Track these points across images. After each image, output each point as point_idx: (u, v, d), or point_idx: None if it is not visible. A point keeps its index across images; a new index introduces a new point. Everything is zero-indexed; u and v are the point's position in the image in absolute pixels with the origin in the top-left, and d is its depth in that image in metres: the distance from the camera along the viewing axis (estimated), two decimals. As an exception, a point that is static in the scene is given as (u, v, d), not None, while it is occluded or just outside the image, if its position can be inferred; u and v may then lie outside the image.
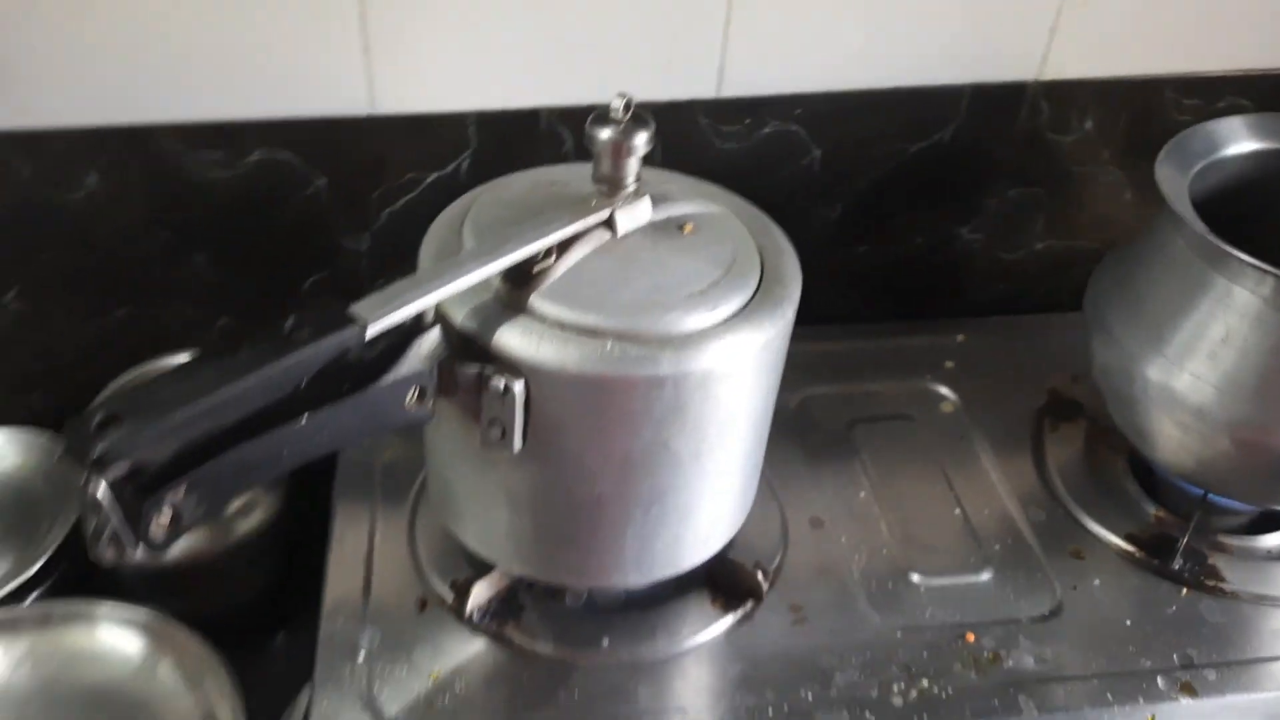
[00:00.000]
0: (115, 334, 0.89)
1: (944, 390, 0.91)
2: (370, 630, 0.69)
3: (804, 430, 0.87)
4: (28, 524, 0.88)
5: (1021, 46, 0.86)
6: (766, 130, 0.86)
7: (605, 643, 0.70)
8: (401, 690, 0.66)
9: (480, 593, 0.70)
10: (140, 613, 0.77)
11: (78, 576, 0.87)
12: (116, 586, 0.87)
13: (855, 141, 0.88)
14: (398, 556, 0.75)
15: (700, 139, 0.85)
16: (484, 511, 0.66)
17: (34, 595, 0.84)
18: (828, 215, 0.93)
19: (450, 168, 0.84)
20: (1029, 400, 0.91)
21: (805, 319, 0.98)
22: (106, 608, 0.77)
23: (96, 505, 0.46)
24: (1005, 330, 0.98)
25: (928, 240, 0.96)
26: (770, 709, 0.67)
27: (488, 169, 0.71)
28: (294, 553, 0.92)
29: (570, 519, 0.63)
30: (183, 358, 0.90)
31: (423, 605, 0.72)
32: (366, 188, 0.84)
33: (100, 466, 0.45)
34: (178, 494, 0.48)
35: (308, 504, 0.97)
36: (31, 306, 0.87)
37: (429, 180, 0.85)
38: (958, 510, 0.81)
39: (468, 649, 0.69)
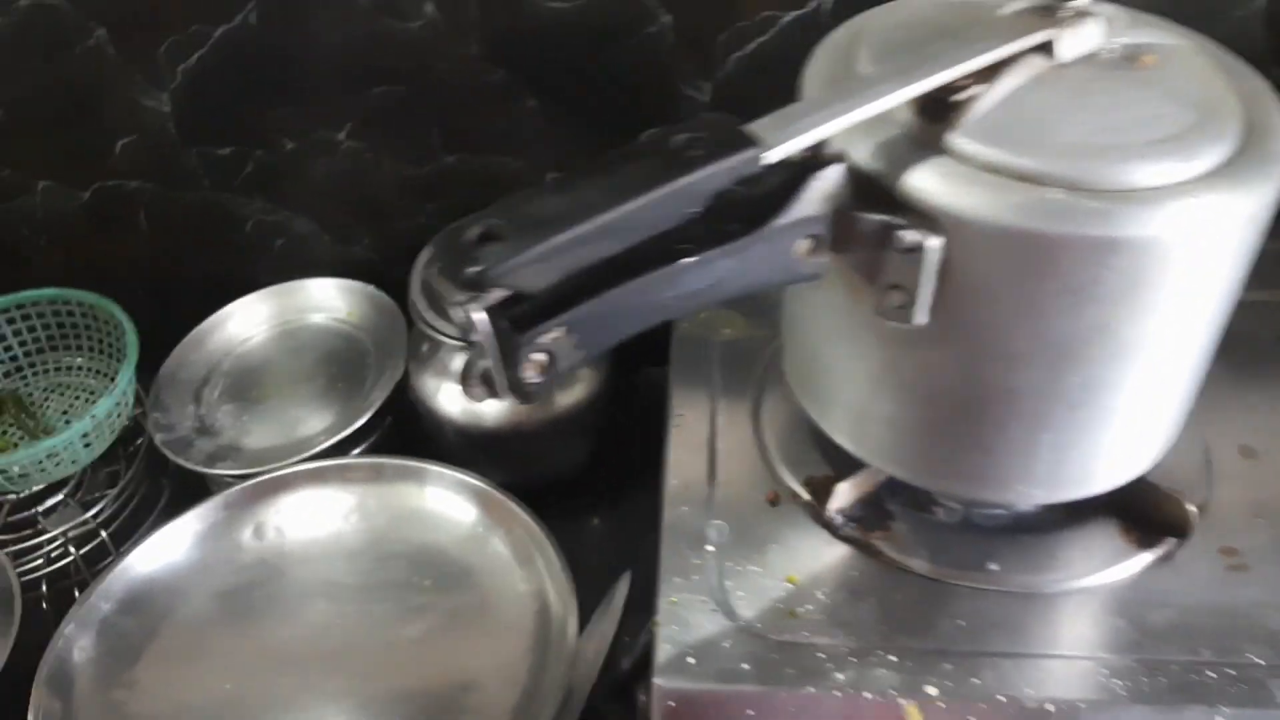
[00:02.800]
0: (441, 183, 0.88)
1: None
2: (717, 523, 0.64)
3: (1227, 344, 0.74)
4: (353, 376, 0.89)
5: None
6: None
7: (992, 567, 0.61)
8: (756, 592, 0.61)
9: (845, 494, 0.63)
10: (471, 480, 0.75)
11: (400, 435, 0.88)
12: (436, 449, 0.88)
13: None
14: (743, 444, 0.69)
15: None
16: (861, 399, 0.59)
17: (358, 450, 0.85)
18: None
19: (812, 4, 0.76)
20: None
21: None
22: (436, 470, 0.76)
23: (472, 334, 0.42)
24: None
25: None
26: (1207, 670, 0.56)
27: (855, 6, 0.62)
28: (608, 431, 0.89)
29: (973, 415, 0.55)
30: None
31: (774, 501, 0.66)
32: (714, 27, 0.78)
33: (478, 287, 0.41)
34: (556, 333, 0.43)
35: (626, 382, 0.94)
36: (363, 146, 0.87)
37: (786, 20, 0.77)
38: None
39: (828, 555, 0.63)
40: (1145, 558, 0.62)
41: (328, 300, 0.94)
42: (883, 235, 0.50)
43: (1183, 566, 0.62)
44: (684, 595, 0.60)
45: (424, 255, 0.85)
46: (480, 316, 0.41)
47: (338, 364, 0.90)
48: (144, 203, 0.93)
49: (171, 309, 0.90)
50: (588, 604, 0.82)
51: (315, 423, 0.86)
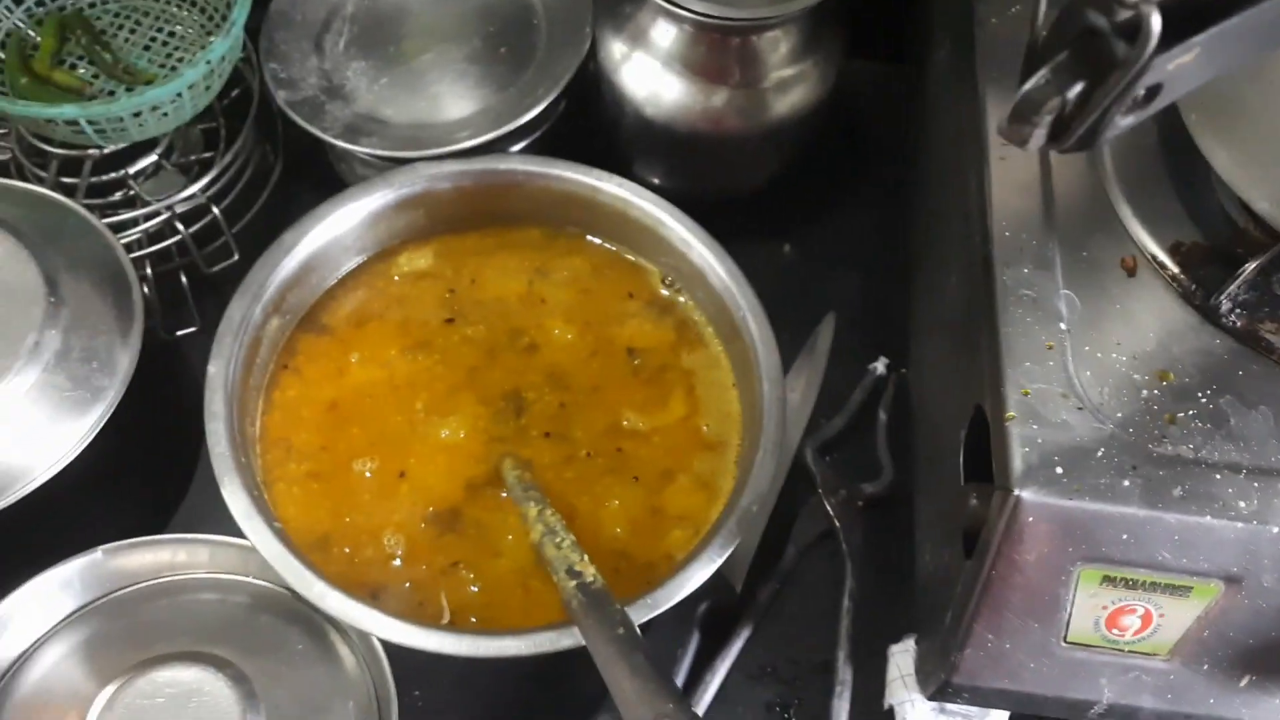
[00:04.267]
0: None
1: None
2: (1066, 293, 0.51)
3: None
4: (519, 40, 0.71)
5: None
6: None
7: None
8: (1123, 387, 0.49)
9: (1247, 275, 0.50)
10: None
11: (570, 120, 0.71)
12: (610, 141, 0.72)
13: None
14: (1083, 187, 0.55)
15: None
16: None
17: (521, 144, 0.70)
18: None
19: None
20: None
21: None
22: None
23: (1095, 55, 0.26)
24: None
25: None
26: None
27: None
28: (813, 142, 0.73)
29: None
30: None
31: (1131, 269, 0.52)
32: None
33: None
34: (1189, 55, 0.28)
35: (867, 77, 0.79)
36: None
37: None
38: None
39: (1205, 346, 0.50)
40: None
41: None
42: None
43: None
44: (1038, 386, 0.48)
45: None
46: (1156, 21, 0.25)
47: (497, 21, 0.71)
48: None
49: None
50: (783, 347, 0.70)
51: (468, 102, 0.69)
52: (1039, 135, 0.29)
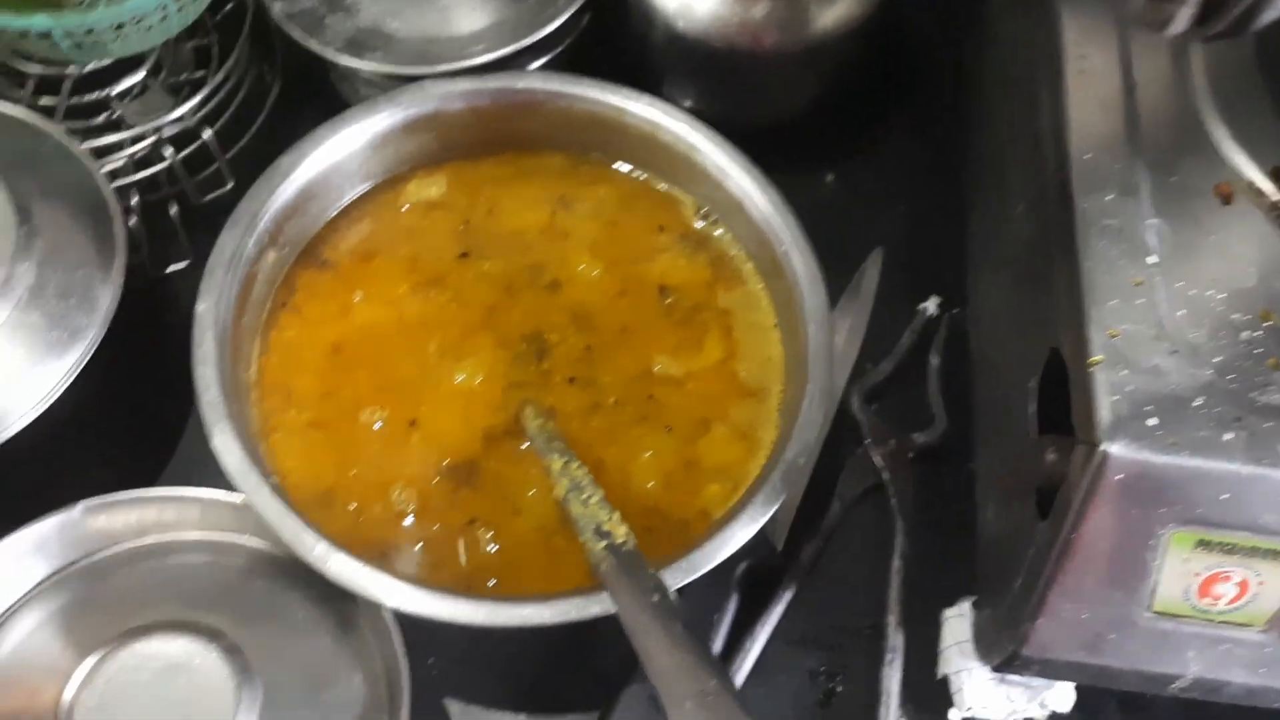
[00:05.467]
0: None
1: None
2: (1154, 222, 0.46)
3: None
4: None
5: None
6: None
7: None
8: (1220, 329, 0.44)
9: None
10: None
11: (594, 34, 0.66)
12: (637, 58, 0.67)
13: None
14: (1172, 104, 0.50)
15: None
16: None
17: (540, 61, 0.65)
18: None
19: None
20: None
21: None
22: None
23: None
24: None
25: None
26: None
27: None
28: (861, 64, 0.68)
29: None
30: None
31: (1227, 197, 0.47)
32: None
33: None
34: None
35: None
36: None
37: None
38: None
39: (1316, 284, 0.45)
40: None
41: None
42: None
43: None
44: (1126, 327, 0.43)
45: None
46: None
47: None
48: None
49: None
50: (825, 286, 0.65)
51: (483, 14, 0.64)
52: (1185, 15, 0.24)
